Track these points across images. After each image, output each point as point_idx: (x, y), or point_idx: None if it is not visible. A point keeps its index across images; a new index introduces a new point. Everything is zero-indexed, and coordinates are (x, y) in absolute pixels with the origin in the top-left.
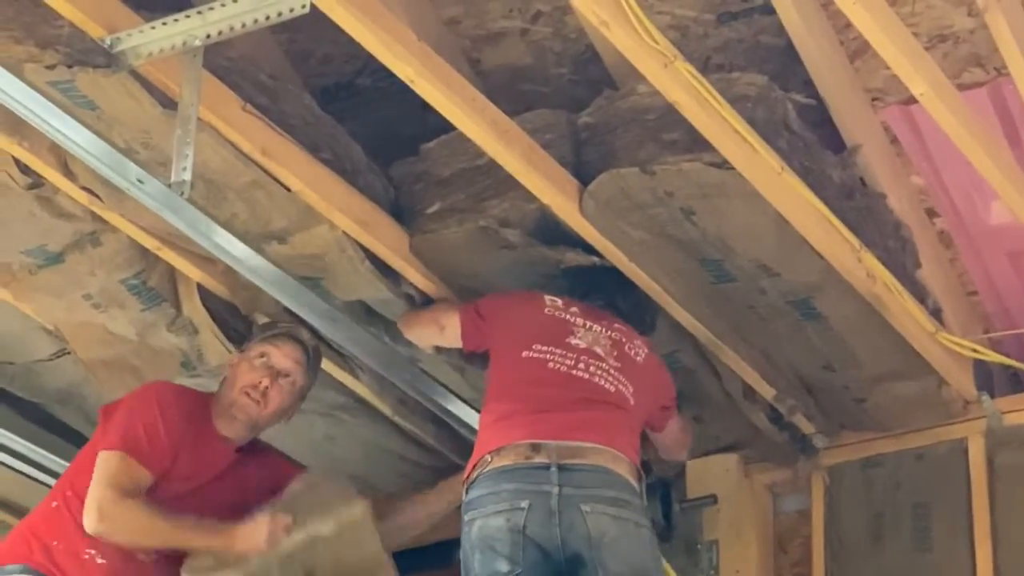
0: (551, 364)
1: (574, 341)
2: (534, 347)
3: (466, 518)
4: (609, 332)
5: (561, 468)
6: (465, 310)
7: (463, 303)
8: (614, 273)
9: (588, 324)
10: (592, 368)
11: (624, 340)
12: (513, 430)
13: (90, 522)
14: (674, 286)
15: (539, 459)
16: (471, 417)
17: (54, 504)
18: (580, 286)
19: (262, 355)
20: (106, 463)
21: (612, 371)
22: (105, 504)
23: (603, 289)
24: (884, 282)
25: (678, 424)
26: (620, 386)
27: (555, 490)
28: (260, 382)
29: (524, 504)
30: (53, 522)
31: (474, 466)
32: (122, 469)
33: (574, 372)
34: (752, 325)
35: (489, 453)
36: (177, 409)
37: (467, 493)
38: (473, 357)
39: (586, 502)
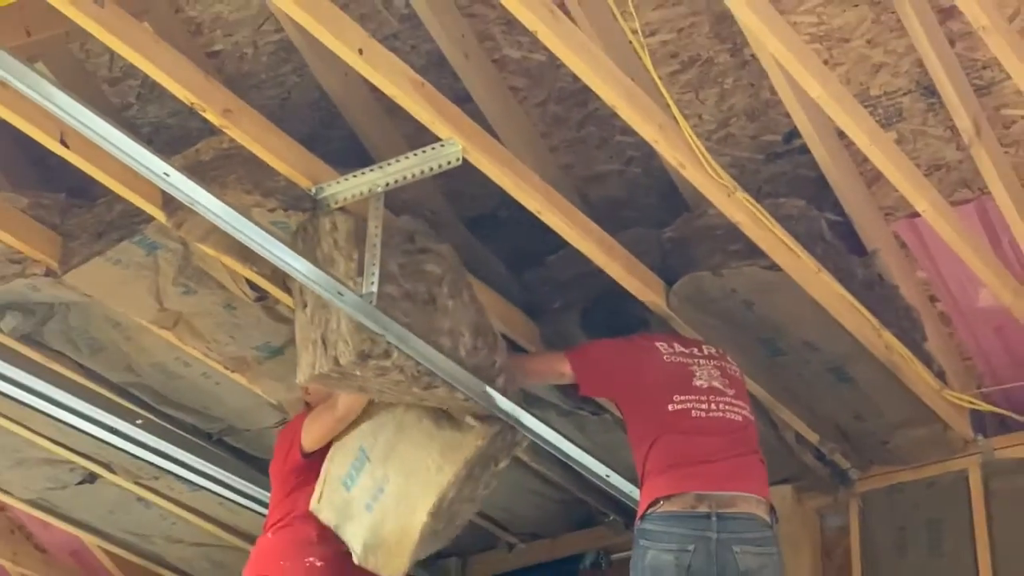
0: (693, 412)
1: (697, 383)
2: (675, 399)
3: (641, 543)
4: (711, 360)
5: (719, 517)
6: (575, 359)
7: (565, 350)
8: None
9: (697, 360)
10: (722, 405)
11: (723, 363)
12: (680, 481)
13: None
14: (740, 359)
15: (702, 508)
16: (590, 462)
17: (269, 535)
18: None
19: None
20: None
21: (733, 400)
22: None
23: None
24: (899, 352)
25: None
26: (743, 412)
27: (714, 536)
28: None
29: (690, 547)
30: (278, 547)
31: (649, 504)
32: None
33: (711, 414)
34: (799, 387)
35: (661, 498)
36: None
37: (642, 522)
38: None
39: (737, 544)
